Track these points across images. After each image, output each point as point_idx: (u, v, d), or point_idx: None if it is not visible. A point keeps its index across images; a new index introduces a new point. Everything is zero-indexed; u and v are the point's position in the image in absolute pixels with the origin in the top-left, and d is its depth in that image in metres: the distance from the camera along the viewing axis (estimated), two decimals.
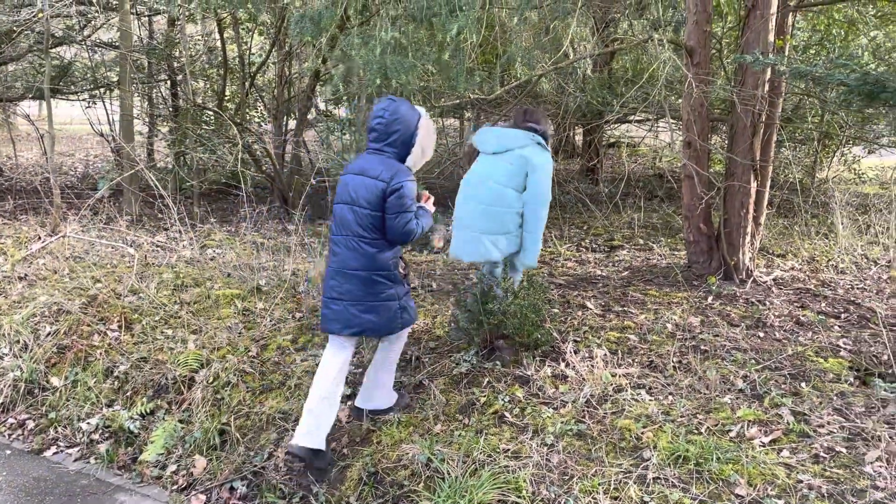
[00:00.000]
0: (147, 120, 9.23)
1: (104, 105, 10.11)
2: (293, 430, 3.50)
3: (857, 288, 5.73)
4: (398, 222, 3.21)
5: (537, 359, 3.93)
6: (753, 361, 4.03)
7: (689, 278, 5.78)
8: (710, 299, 5.26)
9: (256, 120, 9.13)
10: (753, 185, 5.59)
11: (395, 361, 3.56)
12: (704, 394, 3.64)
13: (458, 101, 4.39)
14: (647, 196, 9.90)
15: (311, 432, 3.17)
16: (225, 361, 3.98)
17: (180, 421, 3.65)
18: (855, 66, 3.48)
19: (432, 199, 3.60)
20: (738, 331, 4.56)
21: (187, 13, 7.81)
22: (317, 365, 3.99)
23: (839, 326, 4.77)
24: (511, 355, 3.92)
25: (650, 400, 3.58)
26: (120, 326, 4.43)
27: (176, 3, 5.88)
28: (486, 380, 3.77)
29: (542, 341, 3.88)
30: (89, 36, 9.76)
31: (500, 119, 9.99)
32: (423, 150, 3.44)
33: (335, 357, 3.32)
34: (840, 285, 5.84)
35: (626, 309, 4.97)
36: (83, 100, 9.53)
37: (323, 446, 3.21)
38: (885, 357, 4.13)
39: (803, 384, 3.74)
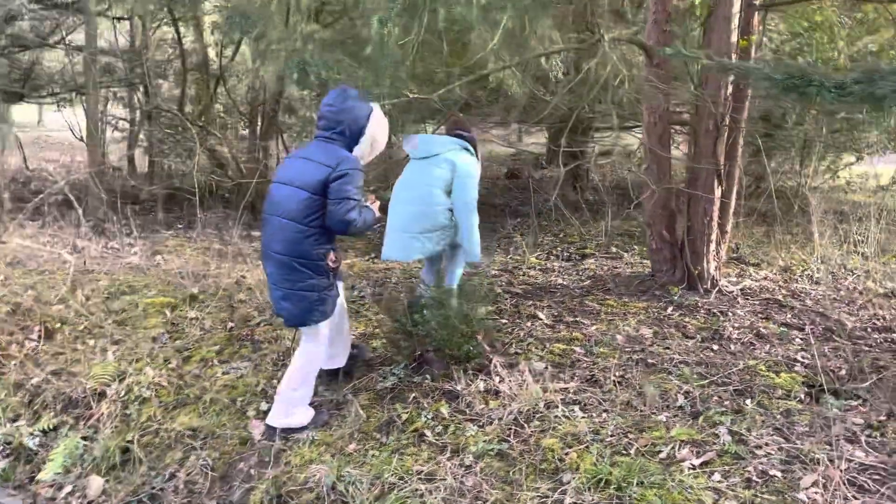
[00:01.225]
0: (114, 124, 9.04)
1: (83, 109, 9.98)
2: (201, 448, 3.30)
3: (829, 299, 5.49)
4: (340, 208, 3.09)
5: (469, 372, 3.71)
6: (699, 376, 3.80)
7: (652, 288, 5.56)
8: (669, 310, 5.04)
9: (227, 123, 8.95)
10: (717, 191, 5.37)
11: (306, 371, 3.33)
12: (640, 411, 3.41)
13: (396, 100, 4.25)
14: (627, 203, 9.68)
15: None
16: (141, 374, 3.77)
17: (84, 438, 3.44)
18: (789, 63, 3.28)
19: (378, 202, 3.49)
20: (691, 343, 4.33)
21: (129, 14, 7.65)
22: (238, 378, 3.79)
23: (801, 339, 4.54)
24: (441, 369, 3.70)
25: (582, 417, 3.36)
26: (40, 336, 4.23)
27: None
28: (413, 395, 3.55)
29: (474, 354, 3.66)
30: (61, 40, 9.59)
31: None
32: (374, 142, 3.39)
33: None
34: (811, 296, 5.61)
35: (578, 320, 4.75)
36: (51, 103, 9.36)
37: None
38: (843, 372, 3.90)
39: (748, 401, 3.51)
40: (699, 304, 5.16)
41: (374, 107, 3.39)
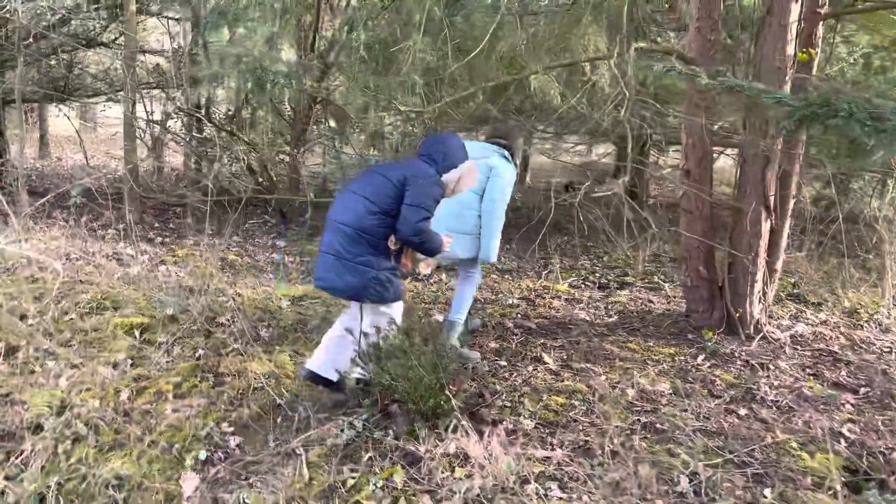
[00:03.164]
0: (155, 127, 8.94)
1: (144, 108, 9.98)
2: (123, 502, 2.93)
3: None
4: (414, 214, 3.20)
5: (438, 430, 3.22)
6: (713, 451, 3.19)
7: (685, 330, 4.93)
8: (699, 359, 4.41)
9: (263, 128, 8.72)
10: (766, 224, 4.69)
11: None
12: (632, 494, 2.84)
13: (423, 109, 3.99)
14: (636, 207, 8.87)
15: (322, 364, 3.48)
16: (84, 406, 3.44)
17: (7, 478, 3.12)
18: (816, 86, 2.65)
19: (451, 240, 3.60)
20: (714, 405, 3.71)
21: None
22: (186, 418, 3.42)
23: (852, 405, 3.85)
24: (405, 424, 3.22)
25: (559, 499, 2.82)
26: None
27: None
28: (368, 455, 3.08)
29: (443, 410, 3.16)
30: (114, 40, 9.58)
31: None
32: (460, 179, 3.58)
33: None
34: (875, 347, 4.86)
35: (588, 366, 4.18)
36: (96, 103, 9.35)
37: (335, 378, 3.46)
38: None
39: (767, 491, 2.89)
40: (736, 354, 4.51)
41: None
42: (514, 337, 4.66)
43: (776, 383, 4.06)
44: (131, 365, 3.92)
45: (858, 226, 8.18)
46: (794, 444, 3.29)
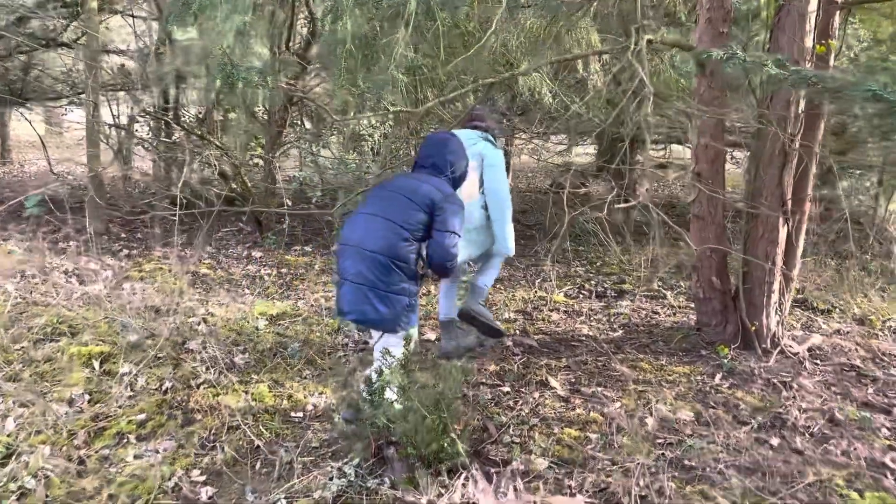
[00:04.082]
0: (119, 132, 8.41)
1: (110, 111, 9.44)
2: None
3: None
4: (447, 240, 3.10)
5: (442, 476, 2.82)
6: (752, 491, 2.83)
7: (697, 346, 4.57)
8: (717, 378, 4.05)
9: (236, 130, 8.24)
10: (783, 230, 4.36)
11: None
12: None
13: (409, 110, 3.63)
14: (665, 217, 8.60)
15: None
16: (33, 454, 2.99)
17: None
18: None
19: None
20: (744, 434, 3.35)
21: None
22: (150, 467, 2.98)
23: (889, 429, 3.52)
24: (403, 471, 2.81)
25: None
26: None
27: None
28: None
29: (447, 454, 2.76)
30: (76, 40, 9.04)
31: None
32: (468, 186, 3.67)
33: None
34: None
35: (600, 390, 3.80)
36: (59, 107, 8.82)
37: None
38: None
39: None
40: (755, 371, 4.16)
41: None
42: (515, 357, 4.27)
43: (804, 406, 3.72)
44: (89, 401, 3.47)
45: (861, 226, 7.94)
46: (840, 482, 2.93)
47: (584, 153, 14.75)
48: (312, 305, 5.20)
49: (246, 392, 3.58)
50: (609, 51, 4.69)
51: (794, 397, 3.82)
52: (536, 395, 3.71)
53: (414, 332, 3.28)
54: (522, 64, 5.77)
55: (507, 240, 4.11)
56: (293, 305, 5.13)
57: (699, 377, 4.06)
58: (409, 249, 3.07)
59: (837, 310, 5.67)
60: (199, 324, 4.42)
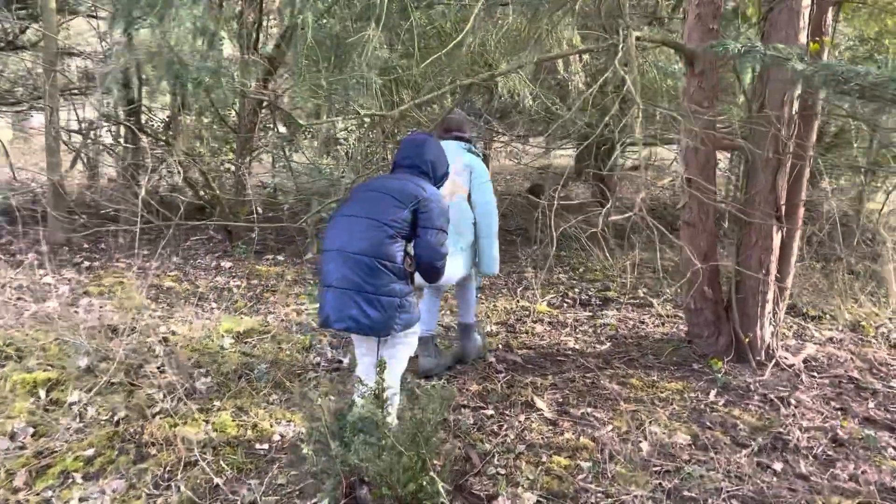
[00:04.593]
0: (78, 137, 8.05)
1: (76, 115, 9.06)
2: None
3: None
4: (435, 238, 3.01)
5: None
6: None
7: (689, 359, 4.35)
8: (712, 394, 3.83)
9: (205, 137, 7.90)
10: (776, 237, 4.15)
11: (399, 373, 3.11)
12: None
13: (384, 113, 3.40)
14: (662, 229, 8.39)
15: None
16: None
17: None
18: None
19: None
20: (744, 458, 3.12)
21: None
22: None
23: (895, 448, 3.32)
24: None
25: None
26: None
27: None
28: None
29: (426, 494, 2.49)
30: (36, 42, 8.66)
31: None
32: (451, 185, 3.72)
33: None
34: (894, 370, 4.37)
35: (589, 411, 3.56)
36: (20, 111, 8.43)
37: None
38: None
39: None
40: (751, 386, 3.95)
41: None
42: (499, 375, 4.02)
43: (805, 424, 3.50)
44: (32, 435, 3.16)
45: (846, 227, 7.79)
46: None
47: (562, 155, 14.55)
48: (283, 320, 4.91)
49: (206, 422, 3.28)
50: (594, 49, 4.45)
51: (793, 414, 3.60)
52: (522, 417, 3.46)
53: (413, 339, 3.16)
54: (501, 64, 5.53)
55: (495, 259, 3.97)
56: (262, 321, 4.84)
57: (693, 394, 3.84)
58: (396, 247, 2.94)
59: (828, 316, 5.50)
60: (158, 343, 4.11)
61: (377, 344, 3.05)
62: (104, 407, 3.38)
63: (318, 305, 2.95)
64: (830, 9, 4.21)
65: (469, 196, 3.90)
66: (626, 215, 3.29)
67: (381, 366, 2.59)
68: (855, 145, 7.08)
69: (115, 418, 3.29)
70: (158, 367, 3.76)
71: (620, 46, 3.22)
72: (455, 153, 3.89)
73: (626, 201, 10.72)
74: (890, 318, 5.57)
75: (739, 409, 3.66)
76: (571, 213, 9.16)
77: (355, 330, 2.88)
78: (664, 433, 3.34)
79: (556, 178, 12.17)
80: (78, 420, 3.28)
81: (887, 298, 6.01)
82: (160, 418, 3.28)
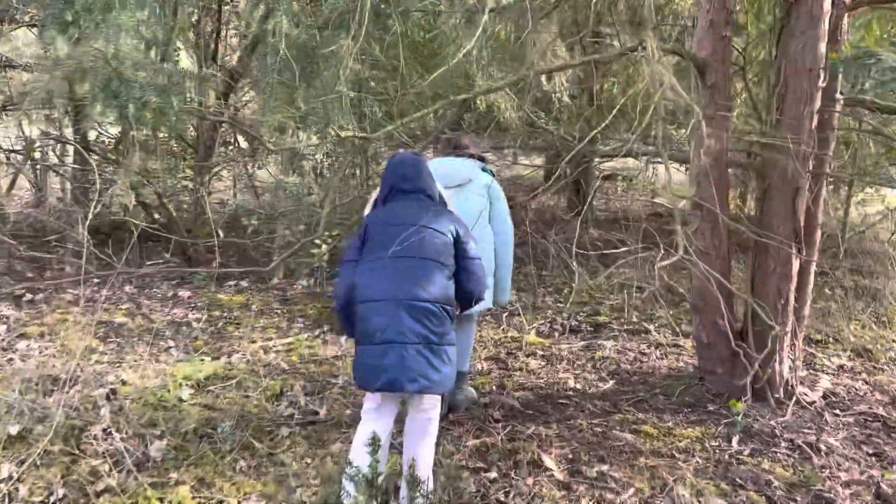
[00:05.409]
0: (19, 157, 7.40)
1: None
2: None
3: None
4: (481, 269, 2.77)
5: None
6: None
7: (703, 398, 3.96)
8: (735, 441, 3.44)
9: (159, 152, 7.33)
10: (796, 263, 3.80)
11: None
12: None
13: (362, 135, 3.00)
14: (644, 243, 8.06)
15: None
16: None
17: None
18: None
19: None
20: None
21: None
22: None
23: None
24: None
25: None
26: None
27: None
28: None
29: None
30: None
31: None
32: None
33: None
34: None
35: (604, 469, 3.13)
36: None
37: None
38: None
39: None
40: (775, 430, 3.57)
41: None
42: (497, 424, 3.57)
43: (844, 478, 3.13)
44: None
45: (833, 240, 7.54)
46: None
47: (530, 164, 14.19)
48: (249, 361, 4.40)
49: (161, 500, 2.77)
50: (603, 58, 4.05)
51: (830, 466, 3.23)
52: (530, 481, 3.02)
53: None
54: (478, 76, 5.13)
55: (508, 288, 3.71)
56: (226, 363, 4.32)
57: (714, 442, 3.44)
58: (453, 289, 2.69)
59: (833, 340, 5.19)
60: (106, 398, 3.57)
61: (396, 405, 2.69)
62: (38, 484, 2.84)
63: (358, 368, 2.56)
64: (846, 15, 3.90)
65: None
66: (673, 259, 2.85)
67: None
68: (845, 157, 6.83)
69: (51, 498, 2.76)
70: (104, 429, 3.22)
71: (640, 55, 2.83)
72: (470, 172, 3.61)
73: (604, 211, 10.41)
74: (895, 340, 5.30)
75: (769, 461, 3.27)
76: (545, 225, 8.79)
77: (425, 391, 2.50)
78: (692, 494, 2.93)
79: (529, 189, 11.84)
80: (5, 502, 2.73)
81: (889, 318, 5.75)
82: (105, 498, 2.75)
